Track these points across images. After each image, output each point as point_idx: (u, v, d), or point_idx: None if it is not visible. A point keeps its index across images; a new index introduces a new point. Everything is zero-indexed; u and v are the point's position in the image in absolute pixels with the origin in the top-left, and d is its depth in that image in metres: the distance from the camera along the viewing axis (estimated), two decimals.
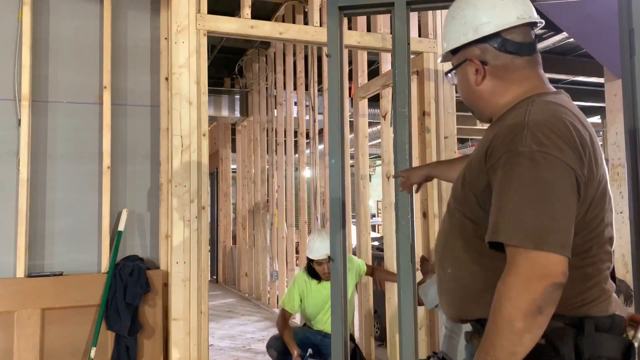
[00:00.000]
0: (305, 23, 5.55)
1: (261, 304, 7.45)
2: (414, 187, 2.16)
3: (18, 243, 3.13)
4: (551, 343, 1.17)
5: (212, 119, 8.45)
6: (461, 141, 14.23)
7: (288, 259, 6.75)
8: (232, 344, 5.40)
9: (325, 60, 5.50)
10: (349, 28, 4.01)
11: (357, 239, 4.67)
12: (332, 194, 2.39)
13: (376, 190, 15.02)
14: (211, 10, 3.35)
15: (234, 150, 9.22)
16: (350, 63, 4.84)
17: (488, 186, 1.23)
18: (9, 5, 3.24)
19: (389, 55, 4.12)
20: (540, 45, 6.36)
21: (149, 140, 3.51)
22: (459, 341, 1.90)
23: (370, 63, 5.25)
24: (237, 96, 8.06)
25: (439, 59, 1.56)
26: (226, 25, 3.37)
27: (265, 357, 4.93)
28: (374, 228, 13.19)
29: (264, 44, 7.20)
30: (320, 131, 7.10)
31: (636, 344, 1.20)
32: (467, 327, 1.38)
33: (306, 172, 6.82)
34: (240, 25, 3.42)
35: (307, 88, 6.24)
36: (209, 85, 3.42)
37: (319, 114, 6.30)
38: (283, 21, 5.98)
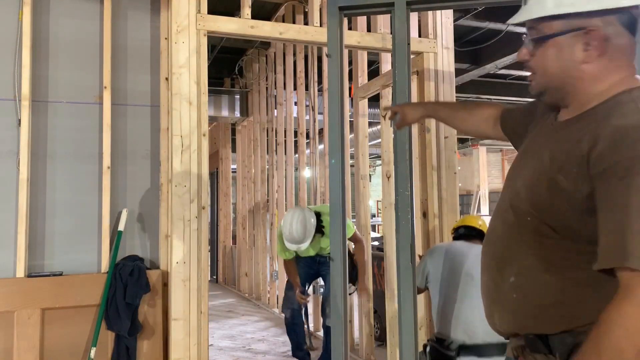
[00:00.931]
0: (306, 23, 5.55)
1: (261, 304, 7.45)
2: (398, 121, 1.97)
3: (18, 243, 3.13)
4: None
5: (212, 119, 8.45)
6: (461, 141, 14.25)
7: None
8: (232, 344, 5.40)
9: (325, 60, 5.50)
10: (349, 28, 4.01)
11: None
12: (332, 194, 2.39)
13: (376, 190, 15.03)
14: (211, 10, 3.35)
15: (234, 150, 9.21)
16: (350, 63, 4.84)
17: (591, 195, 1.07)
18: (9, 6, 3.24)
19: (389, 55, 4.12)
20: None
21: (149, 140, 3.51)
22: None
23: (370, 63, 5.25)
24: (237, 96, 8.06)
25: (516, 19, 1.21)
26: (226, 25, 3.37)
27: (265, 357, 4.94)
28: (374, 228, 13.20)
29: (264, 44, 7.20)
30: (320, 131, 7.10)
31: None
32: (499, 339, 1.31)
33: (306, 172, 6.82)
34: (240, 25, 3.42)
35: (307, 88, 6.24)
36: (209, 85, 3.42)
37: (319, 114, 6.30)
38: (283, 21, 5.98)
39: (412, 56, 3.49)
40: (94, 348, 3.10)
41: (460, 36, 6.40)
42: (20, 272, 3.11)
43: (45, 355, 3.08)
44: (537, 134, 1.33)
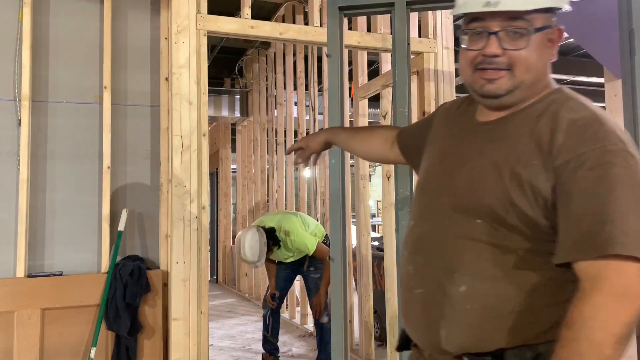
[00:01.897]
0: (306, 23, 5.55)
1: (261, 304, 7.45)
2: (312, 158, 1.83)
3: (18, 243, 3.12)
4: None
5: (212, 119, 8.45)
6: None
7: None
8: (232, 344, 5.40)
9: (325, 60, 5.50)
10: (349, 28, 4.01)
11: (357, 239, 4.67)
12: (332, 194, 2.39)
13: (376, 190, 15.03)
14: (211, 10, 3.35)
15: (234, 150, 9.21)
16: (350, 63, 4.84)
17: (554, 187, 1.04)
18: (9, 6, 3.24)
19: (389, 55, 4.12)
20: None
21: (149, 140, 3.51)
22: None
23: (370, 63, 5.25)
24: (237, 96, 8.06)
25: (525, 5, 1.11)
26: (226, 25, 3.37)
27: None
28: (374, 228, 13.19)
29: (264, 44, 7.20)
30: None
31: None
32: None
33: (306, 172, 6.82)
34: (240, 25, 3.42)
35: (307, 88, 6.24)
36: (209, 85, 3.42)
37: (319, 114, 6.30)
38: (283, 21, 5.98)
39: (412, 56, 3.49)
40: (94, 348, 3.10)
41: None
42: (20, 272, 3.11)
43: (45, 355, 3.08)
44: (460, 137, 1.26)
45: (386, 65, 4.27)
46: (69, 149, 3.34)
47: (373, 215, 16.75)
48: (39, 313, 3.07)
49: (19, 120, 3.19)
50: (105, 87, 3.37)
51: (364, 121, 4.67)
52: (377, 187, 14.31)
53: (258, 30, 3.46)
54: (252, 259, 4.08)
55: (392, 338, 3.96)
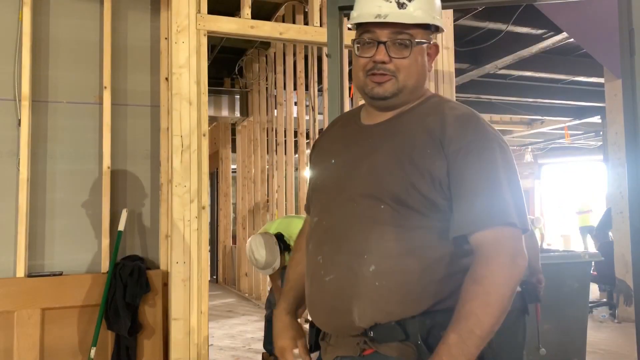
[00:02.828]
0: (306, 23, 5.55)
1: (261, 303, 7.45)
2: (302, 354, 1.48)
3: (18, 243, 3.13)
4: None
5: (212, 119, 8.44)
6: None
7: None
8: (232, 344, 5.40)
9: (325, 60, 5.50)
10: (349, 28, 4.00)
11: None
12: None
13: None
14: (211, 10, 3.35)
15: (234, 150, 9.21)
16: (350, 63, 4.83)
17: (447, 173, 1.21)
18: (9, 6, 3.24)
19: None
20: (541, 45, 6.36)
21: (149, 140, 3.51)
22: None
23: None
24: (237, 96, 8.06)
25: (398, 18, 1.29)
26: (226, 25, 3.37)
27: None
28: None
29: (264, 44, 7.19)
30: (320, 131, 7.09)
31: None
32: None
33: (306, 172, 6.82)
34: (240, 25, 3.42)
35: (307, 88, 6.24)
36: (209, 85, 3.42)
37: (319, 114, 6.30)
38: (283, 21, 5.97)
39: None
40: (94, 348, 3.10)
41: (460, 36, 6.40)
42: (20, 272, 3.11)
43: (45, 355, 3.08)
44: (352, 140, 1.38)
45: None
46: (69, 149, 3.34)
47: None
48: (39, 313, 3.07)
49: (19, 120, 3.19)
50: (105, 87, 3.37)
51: None
52: None
53: (258, 30, 3.46)
54: (270, 259, 3.91)
55: None
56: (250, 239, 4.16)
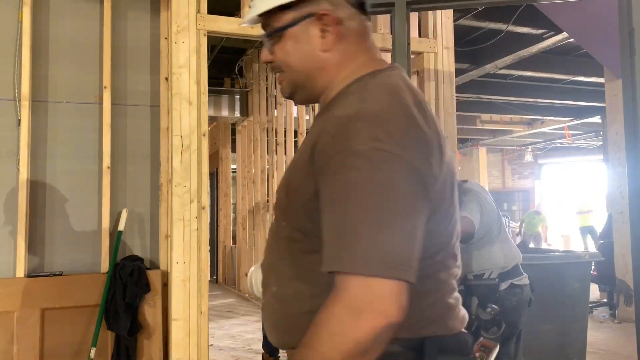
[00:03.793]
0: None
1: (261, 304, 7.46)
2: None
3: (18, 243, 3.12)
4: None
5: (212, 119, 8.44)
6: (461, 141, 14.25)
7: None
8: (232, 344, 5.40)
9: None
10: None
11: None
12: None
13: None
14: (211, 10, 3.35)
15: (234, 150, 9.22)
16: None
17: (316, 194, 0.96)
18: (9, 5, 3.24)
19: (389, 55, 4.12)
20: (541, 45, 6.36)
21: (149, 140, 3.51)
22: None
23: None
24: (237, 96, 8.06)
25: (245, 19, 1.16)
26: (226, 25, 3.37)
27: None
28: None
29: None
30: None
31: None
32: None
33: None
34: (240, 25, 3.42)
35: None
36: (209, 85, 3.42)
37: None
38: None
39: (412, 56, 3.49)
40: (94, 348, 3.10)
41: (460, 36, 6.40)
42: (20, 272, 3.11)
43: (45, 355, 3.08)
44: None
45: None
46: (69, 149, 3.34)
47: None
48: (39, 313, 3.07)
49: (19, 120, 3.19)
50: (105, 87, 3.37)
51: None
52: None
53: (258, 30, 3.45)
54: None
55: None
56: (250, 271, 4.15)
